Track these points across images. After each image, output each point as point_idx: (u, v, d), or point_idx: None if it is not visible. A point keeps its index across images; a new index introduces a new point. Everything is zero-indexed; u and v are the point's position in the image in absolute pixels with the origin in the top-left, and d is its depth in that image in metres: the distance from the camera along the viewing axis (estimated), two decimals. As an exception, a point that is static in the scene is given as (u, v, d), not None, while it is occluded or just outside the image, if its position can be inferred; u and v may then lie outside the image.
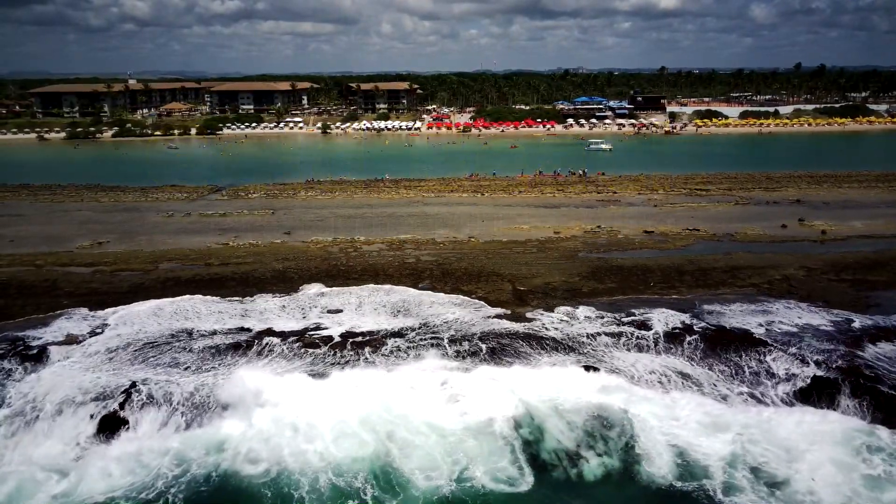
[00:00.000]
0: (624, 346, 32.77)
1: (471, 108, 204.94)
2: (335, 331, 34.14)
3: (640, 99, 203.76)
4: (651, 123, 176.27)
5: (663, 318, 34.95)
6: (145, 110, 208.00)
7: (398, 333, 33.77)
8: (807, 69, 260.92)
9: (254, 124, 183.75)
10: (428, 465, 25.35)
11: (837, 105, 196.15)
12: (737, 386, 29.83)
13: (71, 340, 33.08)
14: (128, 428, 27.16)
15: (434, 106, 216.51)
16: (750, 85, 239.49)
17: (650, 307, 36.63)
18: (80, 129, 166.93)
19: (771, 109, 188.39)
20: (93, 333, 34.12)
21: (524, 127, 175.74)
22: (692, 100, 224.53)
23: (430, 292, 39.50)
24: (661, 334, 33.38)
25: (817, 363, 30.53)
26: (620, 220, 59.22)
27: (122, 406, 27.69)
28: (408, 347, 32.49)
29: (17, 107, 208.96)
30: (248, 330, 34.48)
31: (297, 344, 32.75)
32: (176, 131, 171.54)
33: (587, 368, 30.50)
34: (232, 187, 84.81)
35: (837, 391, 28.73)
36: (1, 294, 40.05)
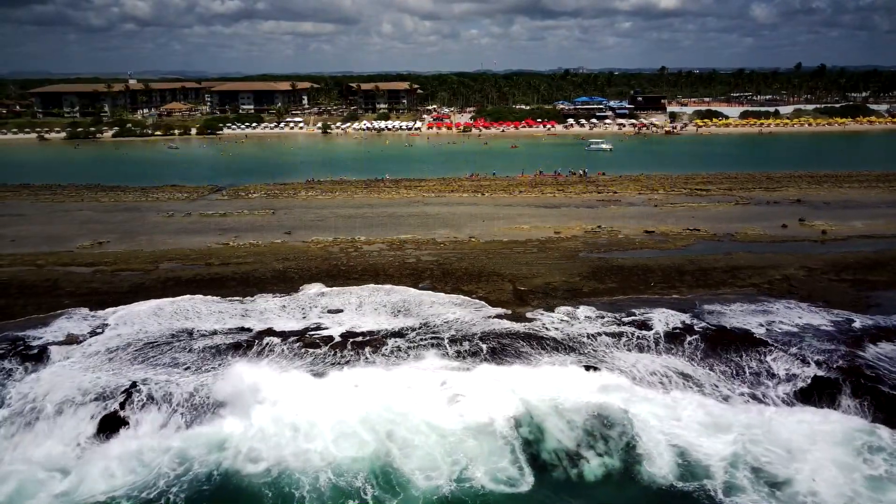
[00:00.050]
0: (624, 346, 32.75)
1: (471, 108, 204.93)
2: (335, 331, 34.13)
3: (640, 99, 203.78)
4: (651, 123, 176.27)
5: (664, 318, 34.92)
6: (146, 110, 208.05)
7: (399, 333, 33.75)
8: (807, 69, 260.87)
9: (254, 124, 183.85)
10: (428, 465, 25.34)
11: (838, 105, 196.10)
12: (737, 386, 29.81)
13: (71, 340, 33.07)
14: (128, 428, 27.15)
15: (434, 106, 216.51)
16: (750, 85, 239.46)
17: (651, 307, 36.61)
18: (80, 129, 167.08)
19: (771, 109, 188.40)
20: (93, 333, 34.12)
21: (524, 127, 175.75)
22: (692, 100, 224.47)
23: (430, 292, 39.49)
24: (662, 334, 33.36)
25: (818, 363, 30.50)
26: (621, 220, 59.20)
27: (122, 406, 27.68)
28: (408, 347, 32.47)
29: (18, 107, 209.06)
30: (249, 330, 34.47)
31: (298, 344, 32.74)
32: (176, 131, 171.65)
33: (587, 368, 30.49)
34: (232, 187, 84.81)
35: (838, 391, 28.71)
36: (2, 294, 40.05)
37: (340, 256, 48.00)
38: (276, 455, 25.67)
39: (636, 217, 61.02)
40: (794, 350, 31.61)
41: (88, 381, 29.02)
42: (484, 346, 32.26)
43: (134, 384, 28.80)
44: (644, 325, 34.23)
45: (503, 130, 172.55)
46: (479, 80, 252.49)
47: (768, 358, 31.11)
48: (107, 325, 35.16)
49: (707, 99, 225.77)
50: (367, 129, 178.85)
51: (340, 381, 29.46)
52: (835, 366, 30.17)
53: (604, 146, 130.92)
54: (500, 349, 32.18)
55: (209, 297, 39.16)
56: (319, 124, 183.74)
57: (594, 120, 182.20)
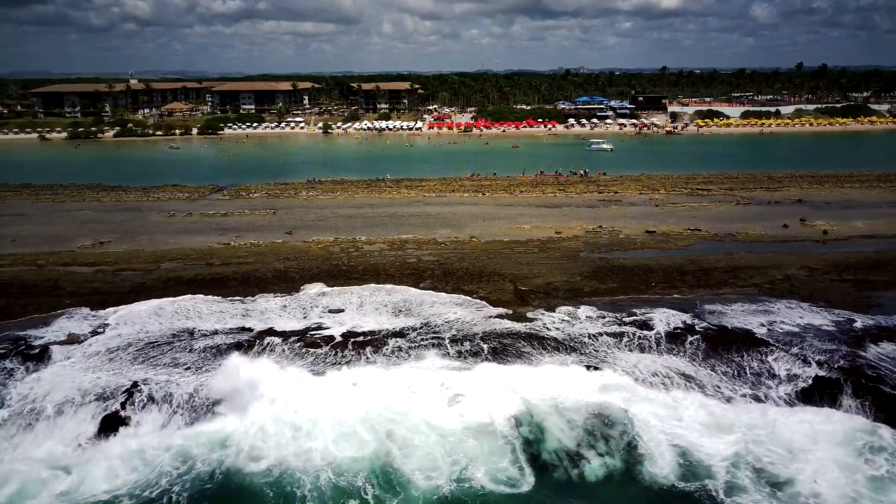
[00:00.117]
0: (625, 346, 32.73)
1: (472, 108, 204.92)
2: (336, 330, 34.13)
3: (641, 99, 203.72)
4: (652, 123, 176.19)
5: (665, 318, 34.89)
6: (147, 110, 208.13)
7: (399, 333, 33.75)
8: (808, 69, 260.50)
9: (255, 124, 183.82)
10: (428, 465, 25.33)
11: (839, 105, 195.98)
12: (739, 386, 29.78)
13: (72, 340, 33.08)
14: (129, 428, 27.13)
15: (435, 106, 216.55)
16: (751, 85, 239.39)
17: (652, 307, 36.58)
18: (81, 129, 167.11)
19: (772, 109, 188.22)
20: (94, 333, 34.13)
21: (525, 127, 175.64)
22: (693, 100, 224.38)
23: (431, 292, 39.48)
24: (663, 334, 33.34)
25: (819, 363, 30.47)
26: (622, 220, 59.18)
27: (123, 406, 27.68)
28: (409, 347, 32.47)
29: (19, 107, 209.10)
30: (250, 330, 34.47)
31: (299, 344, 32.74)
32: (177, 131, 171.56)
33: (588, 368, 30.48)
34: (233, 187, 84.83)
35: (840, 391, 28.68)
36: (3, 293, 40.07)
37: (341, 256, 48.00)
38: (277, 454, 25.68)
39: (637, 217, 61.00)
40: (795, 350, 31.58)
41: (89, 381, 29.04)
42: (485, 346, 32.25)
43: (135, 384, 28.80)
44: (645, 325, 34.21)
45: (504, 130, 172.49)
46: (480, 80, 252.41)
47: (769, 358, 31.09)
48: (108, 324, 35.16)
49: (708, 99, 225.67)
50: (368, 129, 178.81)
51: (341, 381, 29.45)
52: (836, 366, 30.14)
53: (605, 146, 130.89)
54: (500, 349, 32.17)
55: (210, 296, 39.16)
56: (320, 124, 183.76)
57: (595, 120, 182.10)
